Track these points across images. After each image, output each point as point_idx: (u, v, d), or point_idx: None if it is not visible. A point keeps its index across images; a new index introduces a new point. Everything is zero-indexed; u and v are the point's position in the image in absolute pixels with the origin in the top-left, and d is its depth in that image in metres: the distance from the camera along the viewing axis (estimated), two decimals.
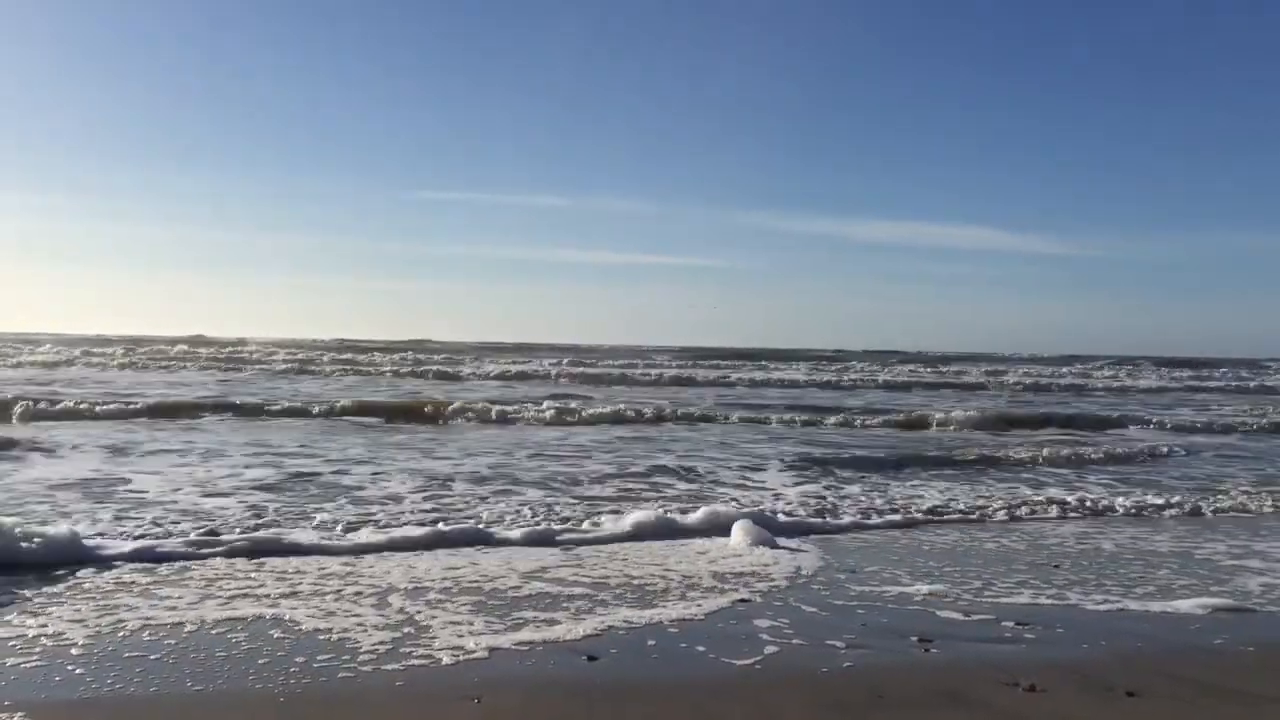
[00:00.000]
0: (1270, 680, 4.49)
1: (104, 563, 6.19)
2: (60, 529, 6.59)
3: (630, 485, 10.21)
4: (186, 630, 4.82)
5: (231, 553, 6.55)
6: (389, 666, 4.37)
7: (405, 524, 7.72)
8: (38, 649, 4.48)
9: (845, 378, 34.39)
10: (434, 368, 33.60)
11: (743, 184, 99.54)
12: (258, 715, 3.81)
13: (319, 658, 4.45)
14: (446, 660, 4.47)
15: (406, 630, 4.91)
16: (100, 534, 6.96)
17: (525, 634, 4.89)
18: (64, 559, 6.16)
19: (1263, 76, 77.65)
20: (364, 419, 17.17)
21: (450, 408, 18.13)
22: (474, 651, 4.59)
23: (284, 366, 32.34)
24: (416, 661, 4.44)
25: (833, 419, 18.64)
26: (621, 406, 19.11)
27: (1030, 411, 21.54)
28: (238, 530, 7.27)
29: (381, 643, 4.68)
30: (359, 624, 4.99)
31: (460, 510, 8.45)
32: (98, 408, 16.88)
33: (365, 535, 7.19)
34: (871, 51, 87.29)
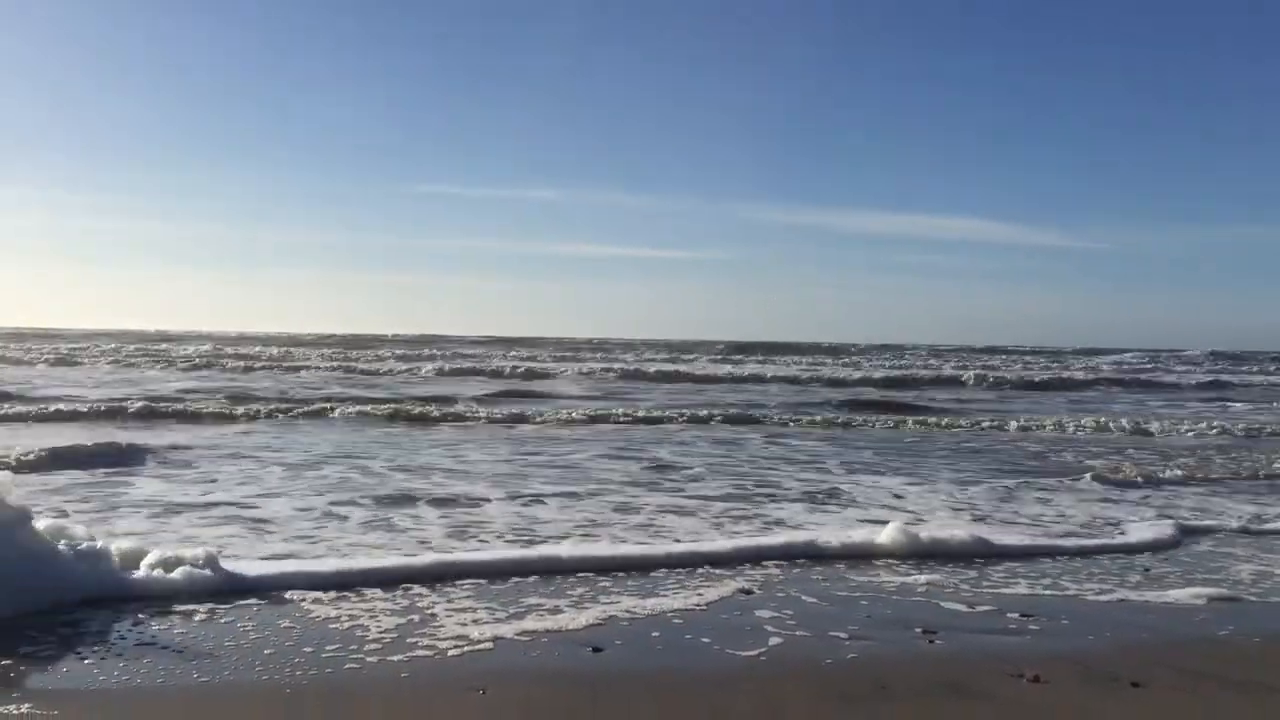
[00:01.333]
0: (1275, 671, 4.49)
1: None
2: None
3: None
4: None
5: None
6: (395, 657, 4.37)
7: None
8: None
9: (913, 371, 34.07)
10: (527, 365, 33.64)
11: (737, 177, 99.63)
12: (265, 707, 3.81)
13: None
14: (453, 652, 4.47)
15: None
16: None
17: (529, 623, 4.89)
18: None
19: (1271, 67, 77.54)
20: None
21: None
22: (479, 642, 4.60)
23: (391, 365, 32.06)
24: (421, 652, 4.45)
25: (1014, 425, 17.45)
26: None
27: None
28: None
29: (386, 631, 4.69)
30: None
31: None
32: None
33: None
34: (867, 42, 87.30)
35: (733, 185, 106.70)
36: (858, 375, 33.08)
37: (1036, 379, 33.01)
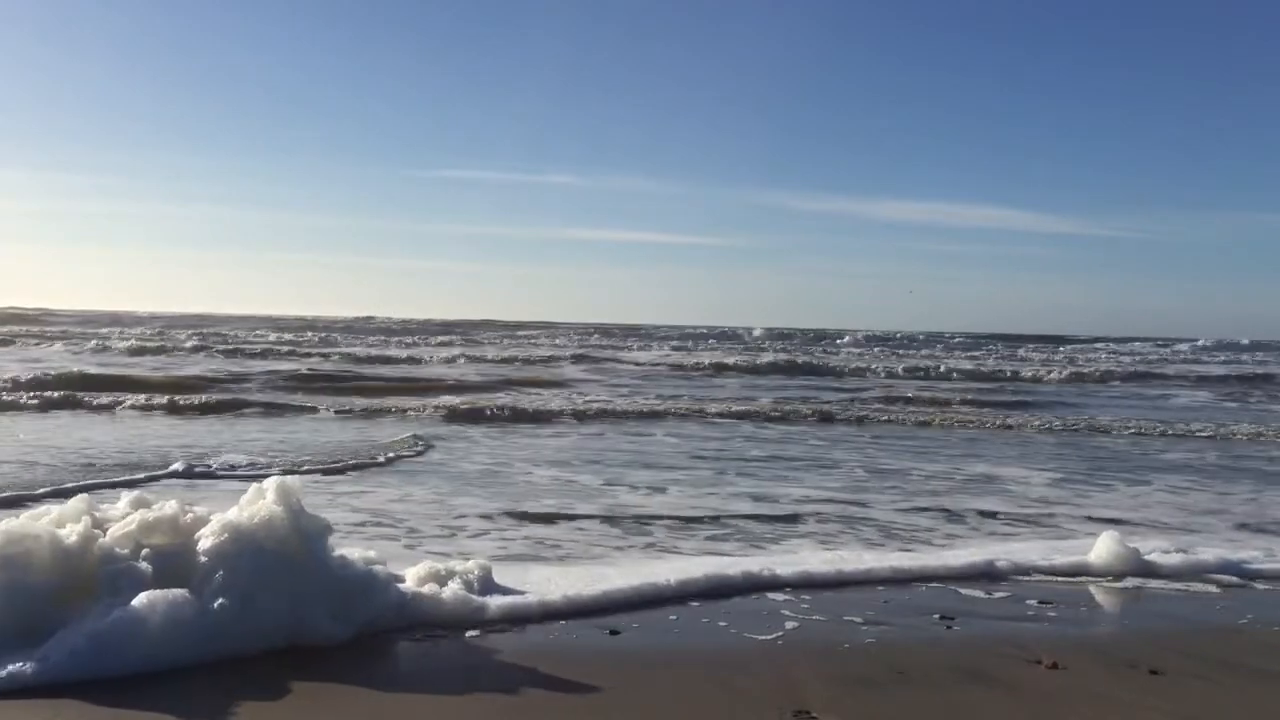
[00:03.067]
0: None
1: None
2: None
3: None
4: None
5: None
6: None
7: None
8: None
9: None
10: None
11: (756, 164, 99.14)
12: None
13: None
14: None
15: None
16: None
17: None
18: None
19: None
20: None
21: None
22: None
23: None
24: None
25: None
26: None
27: None
28: None
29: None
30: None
31: None
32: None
33: None
34: (888, 30, 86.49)
35: (751, 172, 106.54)
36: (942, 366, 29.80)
37: (1132, 372, 29.97)
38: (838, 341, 48.44)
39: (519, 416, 14.19)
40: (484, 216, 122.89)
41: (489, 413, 14.26)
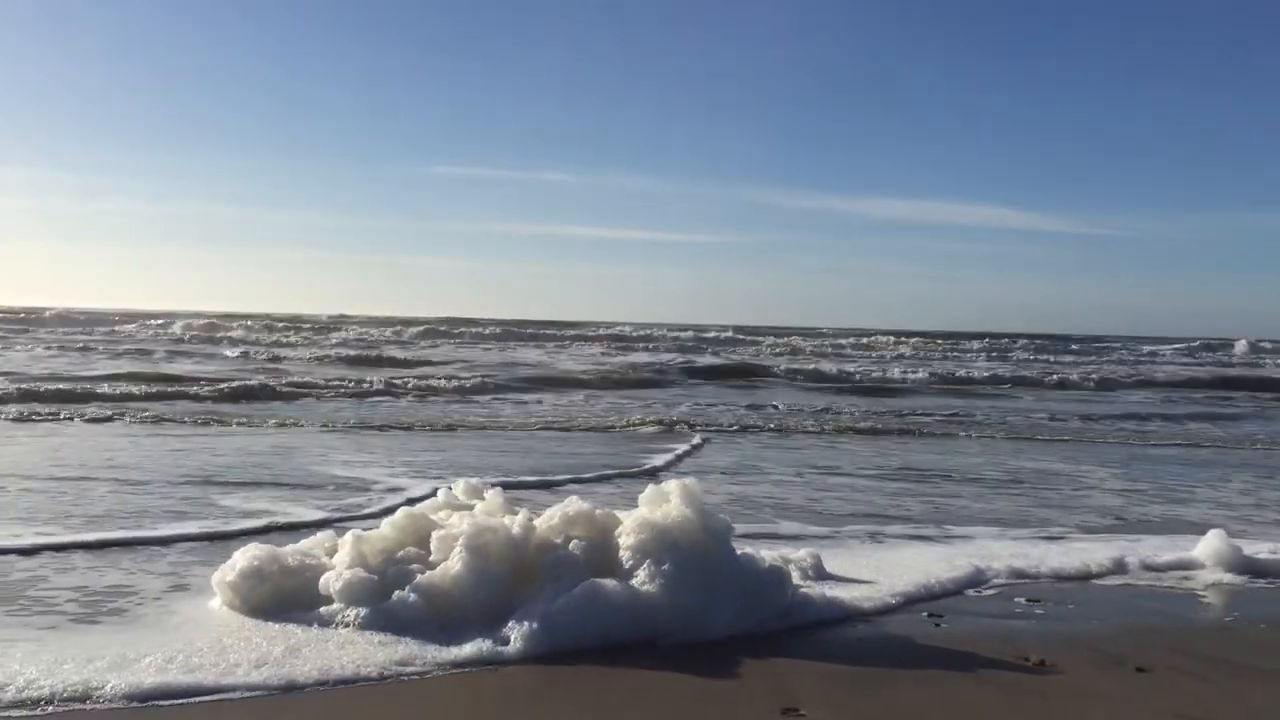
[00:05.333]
0: None
1: None
2: None
3: None
4: None
5: None
6: None
7: None
8: None
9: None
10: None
11: (749, 162, 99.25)
12: None
13: None
14: None
15: None
16: None
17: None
18: None
19: None
20: None
21: None
22: None
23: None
24: None
25: None
26: None
27: None
28: None
29: None
30: None
31: None
32: None
33: None
34: (882, 30, 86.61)
35: (745, 170, 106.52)
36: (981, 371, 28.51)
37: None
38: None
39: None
40: (477, 213, 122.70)
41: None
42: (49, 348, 27.31)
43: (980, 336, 52.79)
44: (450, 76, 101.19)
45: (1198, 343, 54.21)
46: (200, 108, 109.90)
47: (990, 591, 5.49)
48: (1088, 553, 6.35)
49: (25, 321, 40.87)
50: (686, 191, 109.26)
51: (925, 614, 4.98)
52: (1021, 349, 43.50)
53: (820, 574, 5.42)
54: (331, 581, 4.40)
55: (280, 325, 43.80)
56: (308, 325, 45.09)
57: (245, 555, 4.59)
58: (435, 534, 4.63)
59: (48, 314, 45.53)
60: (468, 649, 4.06)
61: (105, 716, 3.44)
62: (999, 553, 6.28)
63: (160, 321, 41.58)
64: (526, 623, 4.14)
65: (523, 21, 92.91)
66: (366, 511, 7.03)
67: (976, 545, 6.58)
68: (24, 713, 3.41)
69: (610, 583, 4.36)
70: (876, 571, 5.65)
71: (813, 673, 4.07)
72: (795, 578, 5.05)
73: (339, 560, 4.60)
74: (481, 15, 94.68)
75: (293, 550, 4.78)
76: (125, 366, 20.82)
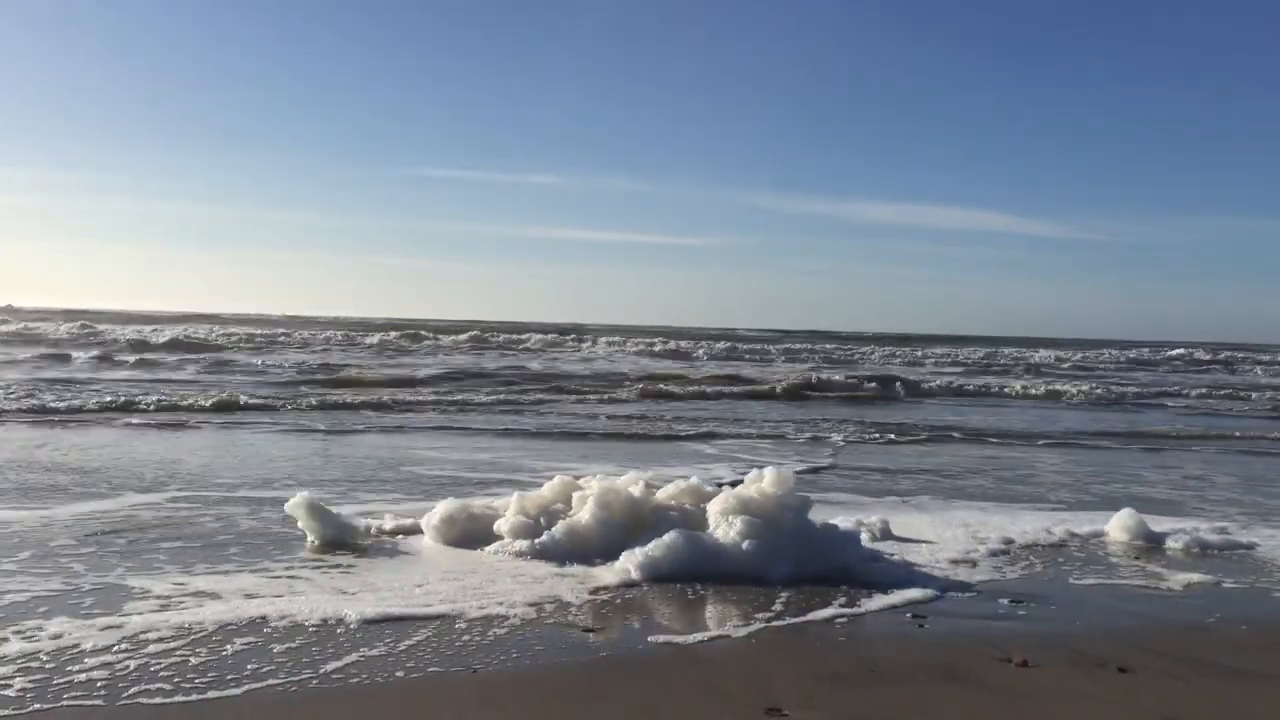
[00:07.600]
0: (1261, 657, 4.52)
1: None
2: None
3: None
4: None
5: None
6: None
7: None
8: None
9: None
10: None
11: (740, 165, 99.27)
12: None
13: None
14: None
15: None
16: None
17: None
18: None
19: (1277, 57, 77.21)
20: None
21: None
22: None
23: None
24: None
25: None
26: None
27: None
28: None
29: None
30: None
31: None
32: None
33: None
34: (882, 34, 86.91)
35: (735, 173, 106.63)
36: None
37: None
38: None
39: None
40: (467, 215, 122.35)
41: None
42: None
43: (980, 341, 52.84)
44: (450, 77, 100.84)
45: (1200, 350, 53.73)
46: (200, 108, 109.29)
47: (971, 594, 5.50)
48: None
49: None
50: (675, 194, 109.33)
51: (909, 615, 4.98)
52: (1164, 360, 41.29)
53: (886, 534, 6.70)
54: (501, 525, 6.09)
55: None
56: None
57: (443, 506, 6.28)
58: (575, 494, 6.25)
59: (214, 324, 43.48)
60: (593, 570, 5.61)
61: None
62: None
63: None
64: (635, 556, 5.54)
65: (523, 24, 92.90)
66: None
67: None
68: None
69: (691, 532, 5.71)
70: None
71: (796, 673, 4.07)
72: (864, 539, 6.27)
73: (508, 511, 6.21)
74: (481, 17, 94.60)
75: (480, 504, 6.46)
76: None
